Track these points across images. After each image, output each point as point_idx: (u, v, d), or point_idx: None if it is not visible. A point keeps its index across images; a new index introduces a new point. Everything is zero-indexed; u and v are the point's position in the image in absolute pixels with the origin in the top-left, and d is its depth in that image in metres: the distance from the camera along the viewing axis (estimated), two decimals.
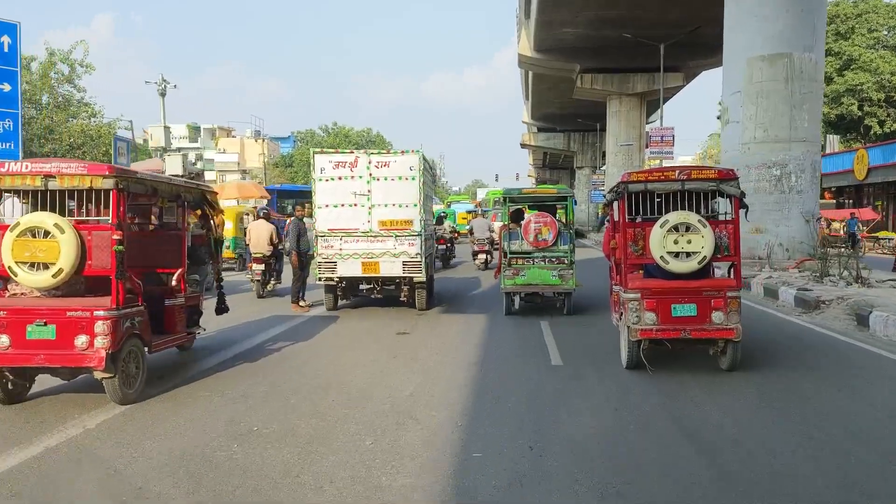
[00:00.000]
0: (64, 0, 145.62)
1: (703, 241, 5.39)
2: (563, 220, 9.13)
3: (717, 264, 6.05)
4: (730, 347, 5.46)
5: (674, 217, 5.46)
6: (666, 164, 25.75)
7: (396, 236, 8.50)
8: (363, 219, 8.52)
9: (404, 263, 8.48)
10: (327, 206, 8.55)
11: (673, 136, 26.34)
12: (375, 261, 8.52)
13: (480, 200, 35.97)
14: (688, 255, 5.45)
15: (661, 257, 5.45)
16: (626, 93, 30.06)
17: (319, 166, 8.53)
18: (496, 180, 54.42)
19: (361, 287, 9.23)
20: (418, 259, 8.47)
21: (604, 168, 43.43)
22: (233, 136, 69.76)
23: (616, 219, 6.35)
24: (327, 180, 8.54)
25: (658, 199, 5.82)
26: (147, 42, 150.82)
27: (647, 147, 28.18)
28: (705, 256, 5.41)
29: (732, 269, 5.75)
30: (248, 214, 16.25)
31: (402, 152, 8.54)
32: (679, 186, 5.55)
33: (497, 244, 12.29)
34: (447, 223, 17.49)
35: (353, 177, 8.51)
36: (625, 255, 5.75)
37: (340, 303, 9.49)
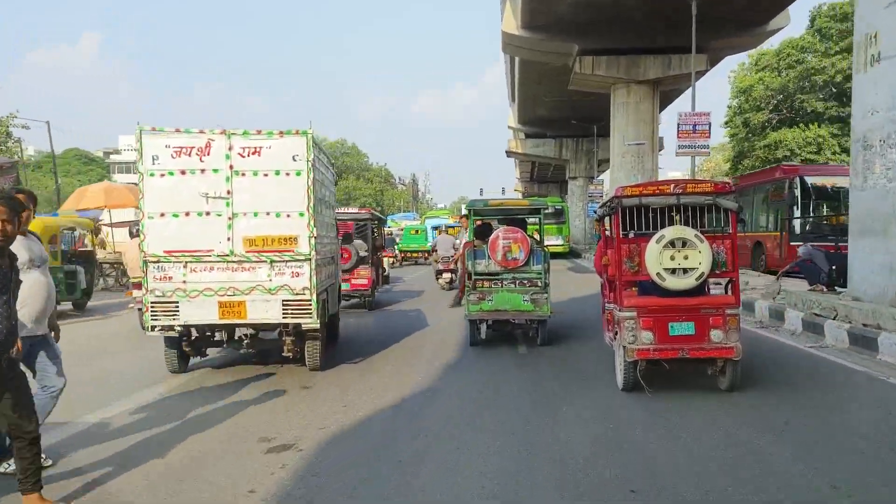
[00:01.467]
0: (52, 18, 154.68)
1: (700, 257, 5.55)
2: (536, 237, 8.69)
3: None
4: (729, 367, 5.64)
5: (670, 232, 5.60)
6: (699, 163, 24.24)
7: (272, 262, 6.18)
8: (220, 235, 6.15)
9: (285, 303, 6.17)
10: (163, 215, 6.14)
11: (709, 124, 19.56)
12: (240, 300, 6.16)
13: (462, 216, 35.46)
14: (685, 271, 5.60)
15: (658, 274, 5.59)
16: (635, 80, 25.11)
17: (150, 153, 6.12)
18: (480, 195, 53.50)
19: (218, 338, 6.74)
20: (306, 296, 6.18)
21: (602, 177, 43.15)
22: None
23: (609, 234, 6.53)
24: (162, 175, 6.13)
25: (652, 214, 5.93)
26: (132, 60, 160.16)
27: (658, 150, 25.08)
28: (703, 273, 5.56)
29: (731, 286, 5.92)
30: (71, 229, 14.37)
31: (281, 133, 6.17)
32: (675, 201, 5.71)
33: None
34: (460, 239, 14.79)
35: (203, 170, 6.12)
36: (619, 271, 5.91)
37: (194, 360, 7.12)
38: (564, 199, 41.26)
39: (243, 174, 6.20)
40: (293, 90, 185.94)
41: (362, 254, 12.36)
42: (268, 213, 6.24)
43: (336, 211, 13.54)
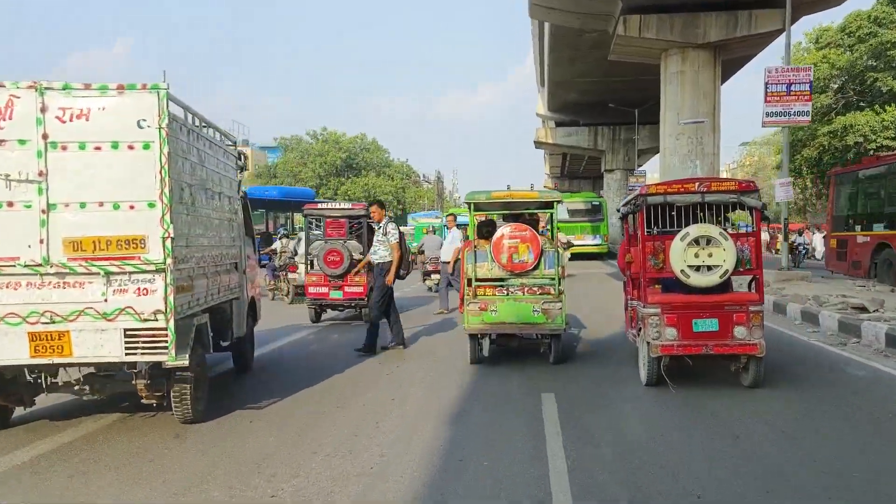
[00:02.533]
0: (87, 25, 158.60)
1: (724, 255, 6.02)
2: (549, 234, 7.87)
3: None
4: (752, 363, 6.09)
5: (694, 230, 6.07)
6: (737, 158, 22.25)
7: (108, 274, 4.75)
8: (29, 236, 4.71)
9: (129, 333, 4.77)
10: None
11: (810, 83, 16.54)
12: (60, 329, 4.73)
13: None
14: (709, 268, 6.08)
15: (682, 271, 6.08)
16: (692, 43, 21.73)
17: None
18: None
19: (32, 379, 5.09)
20: (159, 322, 4.75)
21: (642, 168, 41.43)
22: None
23: (632, 232, 7.12)
24: None
25: (673, 213, 6.43)
26: (159, 61, 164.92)
27: (713, 128, 21.38)
28: (727, 270, 6.05)
29: (755, 283, 6.41)
30: None
31: (121, 89, 4.72)
32: (699, 199, 6.21)
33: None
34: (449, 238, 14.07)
35: (2, 141, 4.69)
36: (644, 268, 6.39)
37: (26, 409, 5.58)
38: (600, 194, 39.83)
39: (64, 147, 4.68)
40: (318, 91, 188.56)
41: (357, 256, 11.62)
42: (101, 205, 4.71)
43: (327, 206, 12.95)
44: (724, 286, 6.26)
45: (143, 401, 5.23)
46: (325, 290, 11.52)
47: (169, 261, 4.77)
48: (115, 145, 4.72)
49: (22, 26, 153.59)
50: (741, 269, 6.26)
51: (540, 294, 7.47)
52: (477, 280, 7.53)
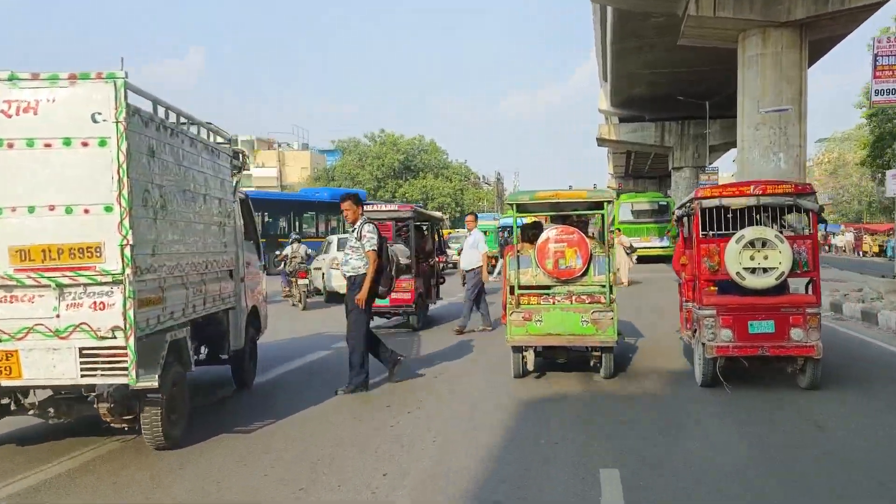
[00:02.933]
0: (162, 35, 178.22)
1: (780, 257, 6.21)
2: (597, 238, 7.41)
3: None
4: (809, 365, 6.27)
5: (750, 232, 6.29)
6: (813, 154, 20.56)
7: (61, 286, 4.37)
8: None
9: (84, 353, 4.39)
10: None
11: None
12: (8, 348, 4.40)
13: None
14: (765, 270, 6.26)
15: (738, 273, 6.27)
16: (774, 22, 19.97)
17: None
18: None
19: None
20: (118, 340, 4.35)
21: (715, 165, 39.67)
22: (275, 149, 71.82)
23: (687, 235, 7.40)
24: None
25: (729, 215, 6.57)
26: (233, 68, 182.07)
27: (799, 117, 19.57)
28: (783, 272, 6.23)
29: (811, 286, 6.58)
30: None
31: (73, 78, 4.33)
32: (754, 202, 6.37)
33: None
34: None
35: None
36: (699, 270, 6.64)
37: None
38: (667, 194, 38.29)
39: (10, 145, 4.30)
40: (383, 96, 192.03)
41: (403, 261, 11.34)
42: (52, 208, 4.31)
43: (371, 208, 12.66)
44: (781, 288, 6.46)
45: (112, 425, 4.77)
46: None
47: (128, 271, 4.31)
48: (67, 142, 4.32)
49: (95, 36, 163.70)
50: (798, 272, 6.42)
51: (589, 303, 7.02)
52: (520, 288, 7.14)
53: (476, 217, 12.19)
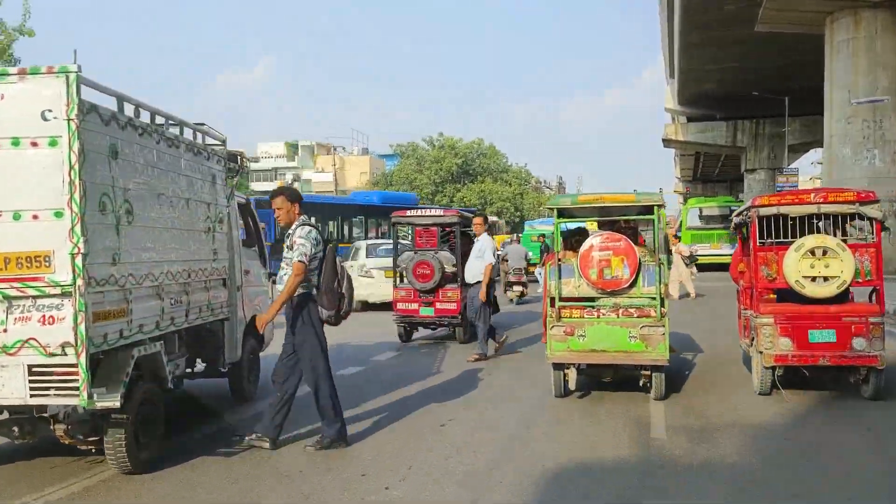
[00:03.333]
0: (233, 46, 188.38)
1: (842, 266, 6.17)
2: (649, 245, 6.93)
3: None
4: (872, 375, 6.23)
5: (810, 241, 6.29)
6: None
7: (6, 298, 4.14)
8: None
9: (34, 371, 4.13)
10: None
11: None
12: None
13: None
14: (825, 279, 6.24)
15: (797, 281, 6.29)
16: (866, 2, 18.40)
17: None
18: None
19: None
20: (69, 357, 4.07)
21: (794, 166, 37.69)
22: (333, 154, 73.12)
23: (745, 242, 7.56)
24: None
25: (791, 222, 6.59)
26: (301, 75, 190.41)
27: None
28: (845, 281, 6.20)
29: (875, 295, 6.53)
30: None
31: (22, 74, 4.18)
32: (815, 210, 6.46)
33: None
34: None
35: None
36: (756, 279, 6.72)
37: None
38: (738, 198, 36.55)
39: None
40: (444, 101, 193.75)
41: (449, 269, 11.05)
42: None
43: (416, 213, 12.43)
44: (843, 297, 6.46)
45: (79, 447, 4.48)
46: (414, 306, 10.99)
47: (79, 282, 4.01)
48: (15, 142, 4.09)
49: (166, 49, 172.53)
50: (860, 280, 6.42)
51: (638, 317, 6.56)
52: (562, 299, 6.73)
53: (486, 219, 10.36)
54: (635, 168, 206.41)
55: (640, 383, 6.81)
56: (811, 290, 6.27)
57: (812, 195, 6.57)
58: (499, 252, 17.71)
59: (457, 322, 10.82)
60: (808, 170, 49.07)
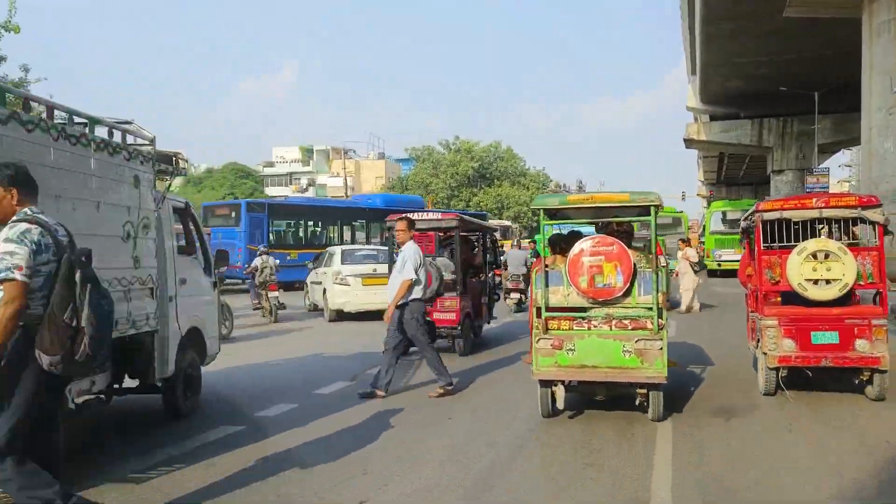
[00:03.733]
0: (257, 52, 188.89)
1: (844, 269, 6.43)
2: (645, 250, 6.43)
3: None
4: (876, 376, 6.41)
5: (812, 244, 6.60)
6: None
7: None
8: None
9: None
10: None
11: None
12: None
13: None
14: (827, 282, 6.49)
15: (800, 284, 6.55)
16: None
17: None
18: None
19: None
20: None
21: (825, 165, 36.52)
22: (349, 159, 73.32)
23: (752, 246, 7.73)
24: None
25: (796, 226, 6.95)
26: (324, 80, 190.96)
27: None
28: (847, 284, 6.46)
29: (878, 297, 6.71)
30: None
31: None
32: (817, 214, 6.74)
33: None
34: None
35: None
36: (760, 281, 6.95)
37: None
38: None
39: None
40: (464, 105, 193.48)
41: (448, 276, 10.56)
42: None
43: (412, 217, 11.90)
44: (846, 299, 6.71)
45: None
46: None
47: None
48: None
49: (191, 55, 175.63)
50: (862, 283, 6.71)
51: (632, 329, 6.05)
52: (549, 309, 6.24)
53: (410, 223, 7.92)
54: (658, 171, 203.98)
55: (637, 402, 6.27)
56: (813, 292, 6.54)
57: (814, 200, 6.85)
58: (503, 257, 17.31)
59: (457, 333, 10.36)
60: (836, 172, 47.65)
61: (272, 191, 74.24)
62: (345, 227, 24.76)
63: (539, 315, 6.26)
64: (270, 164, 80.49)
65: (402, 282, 7.41)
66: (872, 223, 6.67)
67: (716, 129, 38.30)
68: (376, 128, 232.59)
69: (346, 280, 14.93)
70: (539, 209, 6.42)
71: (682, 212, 29.24)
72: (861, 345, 6.33)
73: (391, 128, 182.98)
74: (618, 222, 6.89)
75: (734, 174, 55.37)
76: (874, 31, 18.15)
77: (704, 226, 27.99)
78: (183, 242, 6.99)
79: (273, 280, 15.11)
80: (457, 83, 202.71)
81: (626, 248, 6.13)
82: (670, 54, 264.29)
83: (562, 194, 6.90)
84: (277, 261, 16.13)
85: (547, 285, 6.31)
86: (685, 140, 40.49)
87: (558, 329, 6.22)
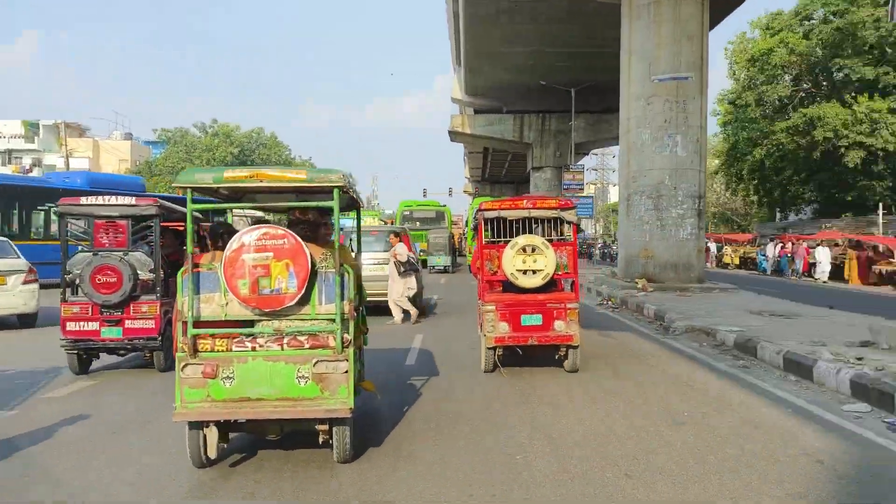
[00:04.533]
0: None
1: (546, 261, 7.88)
2: (328, 243, 5.28)
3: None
4: (571, 352, 8.05)
5: (522, 240, 7.98)
6: None
7: None
8: None
9: None
10: None
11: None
12: None
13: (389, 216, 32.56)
14: (534, 272, 7.91)
15: (512, 274, 7.92)
16: None
17: None
18: (423, 196, 51.69)
19: None
20: None
21: (581, 163, 39.26)
22: (88, 138, 66.10)
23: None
24: None
25: (517, 224, 8.38)
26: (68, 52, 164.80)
27: (700, 89, 17.27)
28: (548, 273, 7.90)
29: (572, 285, 8.43)
30: None
31: None
32: (526, 214, 8.26)
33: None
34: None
35: None
36: (483, 272, 8.35)
37: None
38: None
39: None
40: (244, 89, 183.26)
41: (144, 276, 8.59)
42: None
43: (95, 201, 9.64)
44: (551, 286, 8.09)
45: None
46: (94, 326, 8.48)
47: None
48: None
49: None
50: (560, 273, 8.16)
51: (310, 348, 4.83)
52: (199, 325, 4.81)
53: None
54: (431, 168, 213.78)
55: (320, 441, 5.06)
56: (523, 281, 7.87)
57: (524, 202, 8.35)
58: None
59: (155, 345, 8.48)
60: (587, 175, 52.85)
61: None
62: (34, 214, 20.40)
63: (185, 333, 4.79)
64: None
65: None
66: (569, 223, 8.26)
67: (480, 122, 39.19)
68: (126, 108, 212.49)
69: None
70: (186, 188, 4.92)
71: (445, 206, 29.64)
72: (559, 325, 7.79)
73: (144, 108, 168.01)
74: (301, 210, 5.57)
75: (498, 172, 58.52)
76: (634, 11, 17.93)
77: (467, 221, 28.59)
78: None
79: None
80: (232, 69, 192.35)
81: (302, 242, 4.87)
82: (444, 56, 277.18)
83: (218, 169, 5.32)
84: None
85: (198, 292, 4.86)
86: (450, 132, 40.96)
87: (212, 351, 4.81)
